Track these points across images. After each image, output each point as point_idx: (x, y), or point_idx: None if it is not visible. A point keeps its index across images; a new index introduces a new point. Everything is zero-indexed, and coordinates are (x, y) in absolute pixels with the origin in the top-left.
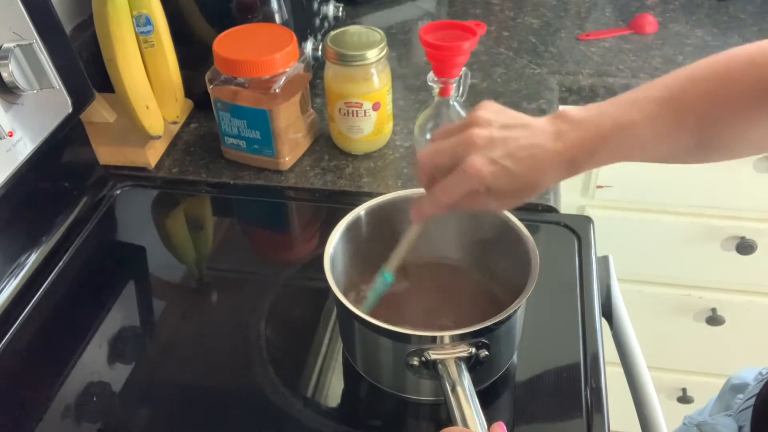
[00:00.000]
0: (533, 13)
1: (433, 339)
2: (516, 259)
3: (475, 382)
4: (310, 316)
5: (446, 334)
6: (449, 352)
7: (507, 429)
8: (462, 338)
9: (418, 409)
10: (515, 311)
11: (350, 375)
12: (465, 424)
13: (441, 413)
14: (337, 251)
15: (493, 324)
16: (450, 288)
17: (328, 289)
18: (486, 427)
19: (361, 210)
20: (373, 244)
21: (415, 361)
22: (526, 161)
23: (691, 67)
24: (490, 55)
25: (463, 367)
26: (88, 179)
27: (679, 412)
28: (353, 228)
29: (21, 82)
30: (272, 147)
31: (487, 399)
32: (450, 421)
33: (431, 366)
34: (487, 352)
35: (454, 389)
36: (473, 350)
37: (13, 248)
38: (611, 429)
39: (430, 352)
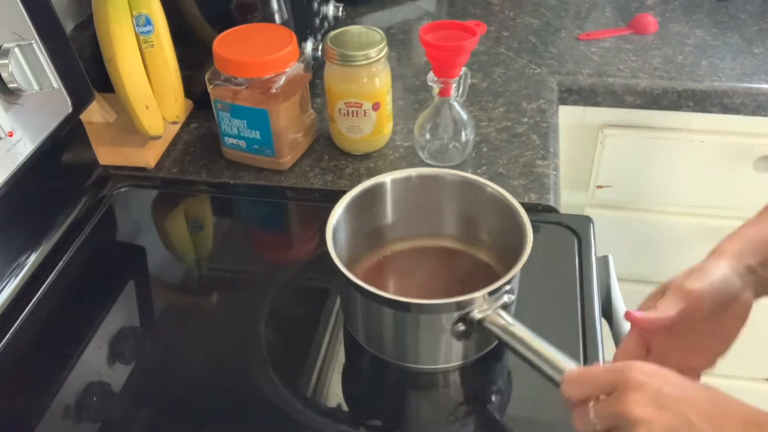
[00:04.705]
0: (533, 13)
1: (472, 301)
2: (510, 232)
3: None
4: (310, 316)
5: (485, 291)
6: (490, 306)
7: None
8: (498, 290)
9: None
10: (527, 257)
11: (350, 375)
12: (543, 358)
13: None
14: (339, 223)
15: (518, 271)
16: (447, 267)
17: (329, 289)
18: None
19: (362, 186)
20: (371, 224)
21: (461, 327)
22: None
23: None
24: (490, 55)
25: (505, 314)
26: (88, 179)
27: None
28: (354, 205)
29: (21, 82)
30: (272, 147)
31: (487, 408)
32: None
33: (476, 325)
34: (513, 296)
35: (513, 335)
36: (506, 298)
37: (13, 248)
38: None
39: (475, 312)
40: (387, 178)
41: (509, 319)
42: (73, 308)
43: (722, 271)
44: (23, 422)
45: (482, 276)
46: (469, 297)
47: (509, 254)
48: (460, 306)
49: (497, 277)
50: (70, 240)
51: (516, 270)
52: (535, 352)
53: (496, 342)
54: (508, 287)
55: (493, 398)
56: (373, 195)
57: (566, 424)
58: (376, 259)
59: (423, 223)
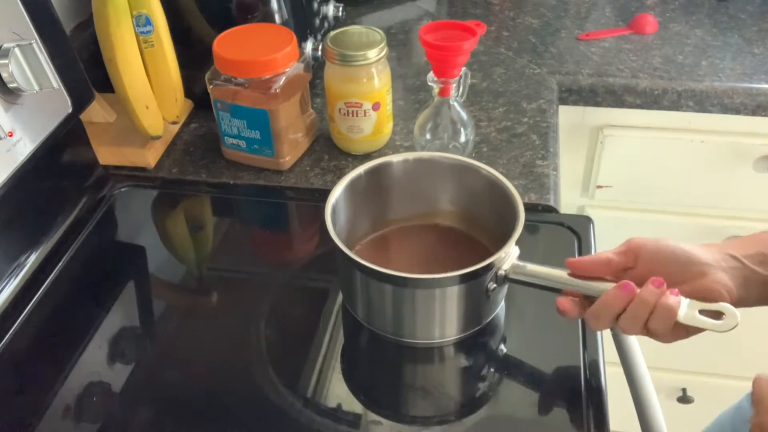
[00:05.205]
0: (533, 13)
1: (491, 265)
2: (502, 212)
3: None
4: (310, 316)
5: (507, 249)
6: (510, 259)
7: (507, 429)
8: (513, 245)
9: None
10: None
11: (351, 377)
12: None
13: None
14: (339, 203)
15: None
16: (443, 245)
17: (329, 289)
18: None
19: (361, 169)
20: (369, 206)
21: (493, 285)
22: None
23: None
24: (490, 55)
25: (522, 262)
26: (88, 179)
27: (679, 412)
28: (353, 186)
29: (21, 82)
30: (272, 147)
31: (487, 401)
32: None
33: (503, 281)
34: (518, 248)
35: (540, 274)
36: (516, 251)
37: (13, 248)
38: (611, 429)
39: (501, 269)
40: (385, 160)
41: (527, 264)
42: (73, 308)
43: (686, 246)
44: (23, 422)
45: (476, 250)
46: (495, 258)
47: (502, 230)
48: (489, 267)
49: (489, 252)
50: (70, 240)
51: (520, 227)
52: (565, 282)
53: (493, 316)
54: (515, 243)
55: (493, 368)
56: (372, 177)
57: (558, 398)
58: (375, 238)
59: (420, 204)
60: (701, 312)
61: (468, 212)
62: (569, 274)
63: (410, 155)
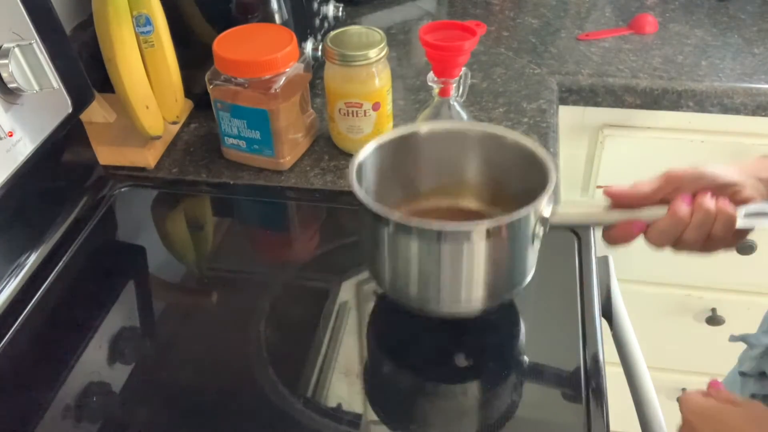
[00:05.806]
0: (533, 13)
1: (533, 212)
2: (529, 179)
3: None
4: (310, 316)
5: (547, 194)
6: (548, 206)
7: (507, 429)
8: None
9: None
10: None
11: (350, 377)
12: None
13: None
14: (365, 166)
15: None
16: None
17: (329, 289)
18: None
19: (389, 135)
20: (394, 177)
21: (540, 231)
22: None
23: None
24: (490, 55)
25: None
26: (88, 179)
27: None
28: (379, 152)
29: (21, 82)
30: (272, 147)
31: (487, 401)
32: None
33: (547, 225)
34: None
35: (585, 213)
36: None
37: (13, 248)
38: (611, 429)
39: (542, 213)
40: (412, 130)
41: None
42: (73, 308)
43: (720, 168)
44: (23, 422)
45: None
46: (539, 201)
47: (528, 198)
48: (536, 211)
49: None
50: (70, 240)
51: (554, 174)
52: (616, 216)
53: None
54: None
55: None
56: (400, 145)
57: (558, 397)
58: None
59: (446, 177)
60: (747, 215)
61: (494, 184)
62: (611, 206)
63: (437, 125)
